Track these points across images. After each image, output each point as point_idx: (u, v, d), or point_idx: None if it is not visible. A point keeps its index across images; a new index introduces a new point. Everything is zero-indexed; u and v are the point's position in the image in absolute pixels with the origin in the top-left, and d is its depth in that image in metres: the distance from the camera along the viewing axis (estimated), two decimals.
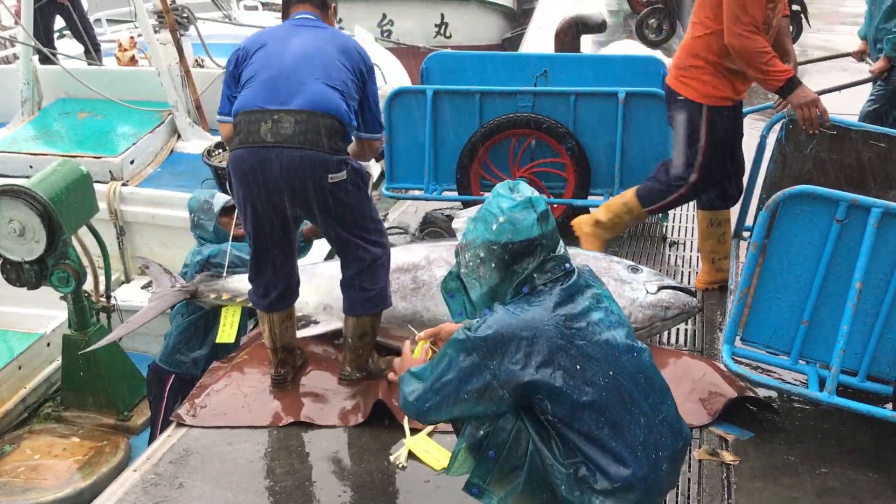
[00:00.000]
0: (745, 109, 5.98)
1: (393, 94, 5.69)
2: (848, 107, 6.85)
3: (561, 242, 2.75)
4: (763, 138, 4.58)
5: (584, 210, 5.81)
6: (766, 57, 4.22)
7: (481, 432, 2.62)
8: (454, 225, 4.82)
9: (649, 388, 2.66)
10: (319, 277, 4.56)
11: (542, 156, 5.54)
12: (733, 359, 3.62)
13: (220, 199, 4.85)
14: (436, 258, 4.48)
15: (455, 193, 5.67)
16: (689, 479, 3.45)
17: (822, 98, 5.34)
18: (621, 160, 5.41)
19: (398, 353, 4.25)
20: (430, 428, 3.74)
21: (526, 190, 2.73)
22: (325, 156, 3.57)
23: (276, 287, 3.98)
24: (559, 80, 5.82)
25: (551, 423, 2.59)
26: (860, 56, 6.54)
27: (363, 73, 3.77)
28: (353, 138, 3.81)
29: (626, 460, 2.55)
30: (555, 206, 5.62)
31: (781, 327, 3.53)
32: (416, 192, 5.79)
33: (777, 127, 4.51)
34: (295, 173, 3.57)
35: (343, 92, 3.65)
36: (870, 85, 6.37)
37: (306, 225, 4.77)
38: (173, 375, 4.92)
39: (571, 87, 5.47)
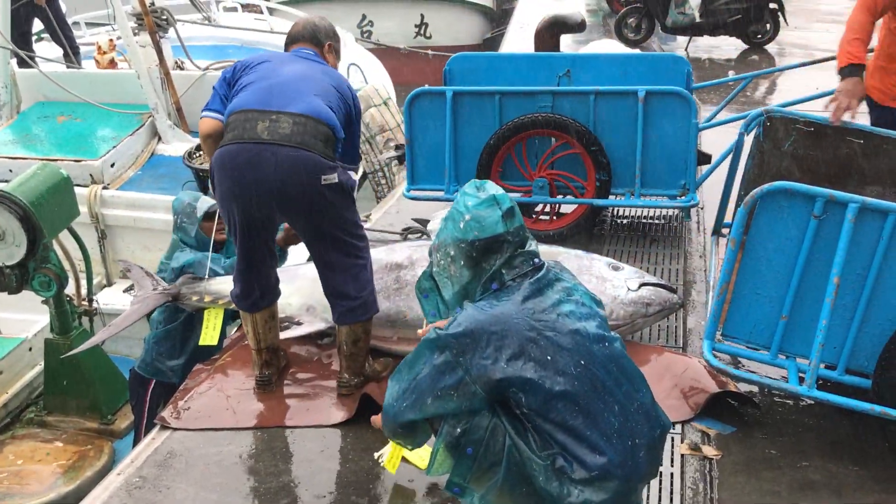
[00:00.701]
0: (723, 119, 6.04)
1: (413, 95, 5.68)
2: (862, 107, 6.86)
3: (531, 239, 2.78)
4: (741, 136, 4.61)
5: (606, 209, 5.80)
6: (854, 35, 4.33)
7: (458, 430, 2.65)
8: (430, 227, 4.83)
9: (622, 377, 2.69)
10: (302, 279, 4.56)
11: (563, 157, 5.53)
12: (713, 354, 3.64)
13: (204, 203, 4.84)
14: (418, 258, 4.49)
15: None
16: (671, 474, 3.47)
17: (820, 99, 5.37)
18: (642, 159, 5.41)
19: (388, 354, 4.28)
20: None
21: (492, 188, 2.78)
22: (319, 158, 3.64)
23: (258, 287, 3.99)
24: (583, 80, 5.80)
25: (526, 415, 2.61)
26: None
27: (351, 109, 3.89)
28: (338, 153, 3.85)
29: (601, 448, 2.58)
30: (577, 205, 5.64)
31: (761, 322, 3.56)
32: (438, 194, 5.75)
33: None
34: (289, 171, 3.60)
35: (334, 110, 3.77)
36: None
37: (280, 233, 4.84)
38: (154, 381, 4.91)
39: (591, 87, 5.46)
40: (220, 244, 4.87)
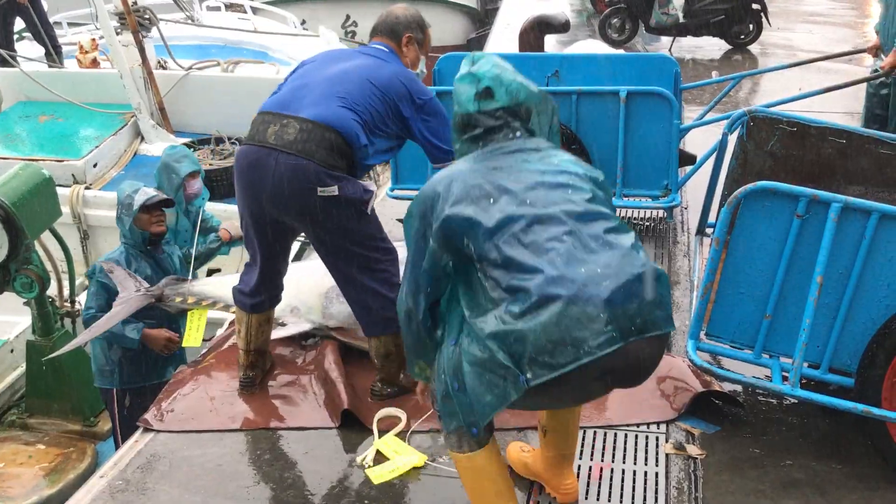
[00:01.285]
0: (705, 120, 6.06)
1: None
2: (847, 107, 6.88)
3: (516, 119, 2.76)
4: (725, 136, 4.62)
5: None
6: None
7: (441, 386, 2.72)
8: None
9: (582, 222, 2.57)
10: (286, 280, 4.53)
11: None
12: (698, 353, 3.65)
13: (143, 195, 4.75)
14: (403, 257, 4.47)
15: None
16: (656, 474, 3.48)
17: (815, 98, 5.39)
18: (624, 159, 5.40)
19: (365, 352, 4.25)
20: (398, 428, 3.77)
21: (485, 65, 2.78)
22: (317, 167, 3.52)
23: (262, 289, 3.95)
24: (572, 80, 5.76)
25: (481, 270, 2.58)
26: (875, 52, 6.39)
27: (400, 107, 3.68)
28: (364, 161, 3.68)
29: (539, 268, 2.47)
30: None
31: (745, 322, 3.57)
32: None
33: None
34: (285, 179, 3.53)
35: (361, 115, 3.61)
36: (863, 87, 6.26)
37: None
38: (114, 389, 4.91)
39: (573, 87, 5.44)
40: (157, 237, 4.85)
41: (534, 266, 2.48)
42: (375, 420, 3.80)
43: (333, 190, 3.55)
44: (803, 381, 3.51)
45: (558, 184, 2.64)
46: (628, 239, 2.61)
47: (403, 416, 3.83)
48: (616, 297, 2.45)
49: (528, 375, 2.44)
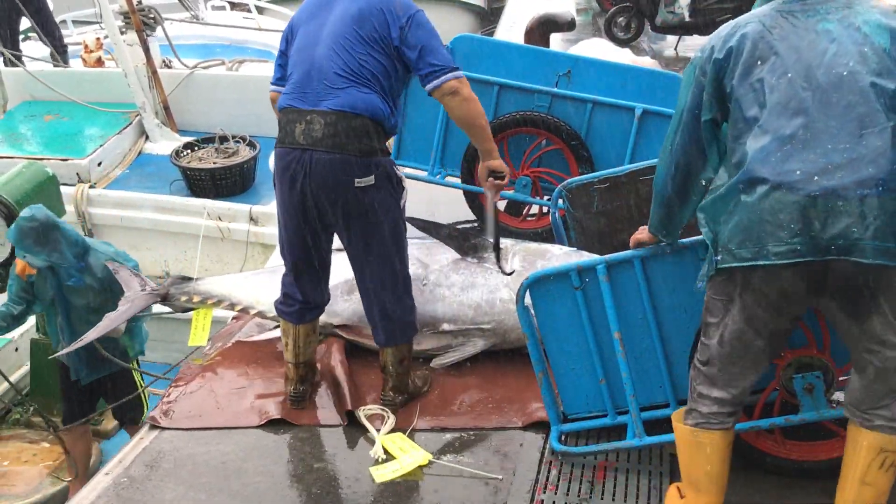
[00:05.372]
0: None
1: None
2: None
3: None
4: (554, 214, 4.62)
5: None
6: None
7: None
8: None
9: (832, 110, 2.54)
10: (280, 278, 4.53)
11: (550, 158, 5.46)
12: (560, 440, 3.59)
13: None
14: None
15: (458, 181, 5.61)
16: (661, 473, 3.47)
17: None
18: None
19: (363, 348, 4.24)
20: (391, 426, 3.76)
21: None
22: (352, 159, 3.48)
23: (302, 297, 3.84)
24: (581, 83, 5.68)
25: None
26: None
27: (391, 38, 3.53)
28: (392, 125, 3.65)
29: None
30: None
31: (590, 392, 3.53)
32: (420, 174, 5.66)
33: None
34: (323, 177, 3.48)
35: (374, 84, 3.55)
36: None
37: None
38: None
39: (590, 95, 5.36)
40: None
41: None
42: (362, 415, 3.81)
43: (370, 179, 3.52)
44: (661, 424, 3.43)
45: (836, 64, 2.64)
46: (879, 134, 2.56)
47: (390, 415, 3.82)
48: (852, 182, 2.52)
49: None
